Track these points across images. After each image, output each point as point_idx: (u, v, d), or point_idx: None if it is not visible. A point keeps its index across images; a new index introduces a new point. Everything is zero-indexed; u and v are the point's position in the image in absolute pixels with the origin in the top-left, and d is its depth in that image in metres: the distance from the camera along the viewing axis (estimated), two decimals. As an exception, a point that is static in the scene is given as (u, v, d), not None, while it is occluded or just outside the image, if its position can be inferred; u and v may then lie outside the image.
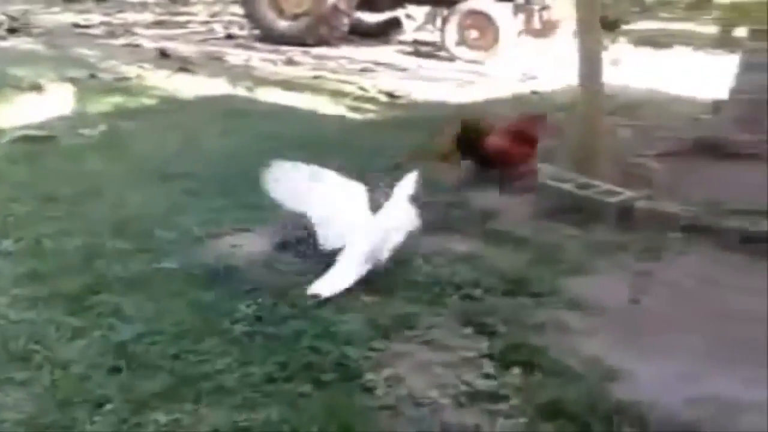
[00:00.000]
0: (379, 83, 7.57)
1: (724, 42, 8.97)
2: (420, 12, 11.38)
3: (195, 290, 2.78)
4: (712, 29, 11.54)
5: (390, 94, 6.99)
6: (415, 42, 10.72)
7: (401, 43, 10.73)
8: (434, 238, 3.36)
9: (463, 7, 8.99)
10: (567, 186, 3.80)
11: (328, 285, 2.75)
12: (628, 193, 3.63)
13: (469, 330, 2.50)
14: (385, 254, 2.89)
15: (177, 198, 3.85)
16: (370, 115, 6.13)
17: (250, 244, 3.26)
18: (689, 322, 2.76)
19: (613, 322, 2.73)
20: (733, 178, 3.99)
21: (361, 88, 7.23)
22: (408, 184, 3.13)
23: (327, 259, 3.03)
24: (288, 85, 7.33)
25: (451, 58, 9.16)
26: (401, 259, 3.02)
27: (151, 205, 3.74)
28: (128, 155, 4.70)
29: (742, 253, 3.23)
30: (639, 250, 3.28)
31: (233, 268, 2.96)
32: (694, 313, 2.82)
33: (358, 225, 2.99)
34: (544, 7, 9.61)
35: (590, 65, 3.95)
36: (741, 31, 7.12)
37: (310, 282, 2.83)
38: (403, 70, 8.69)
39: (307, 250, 3.14)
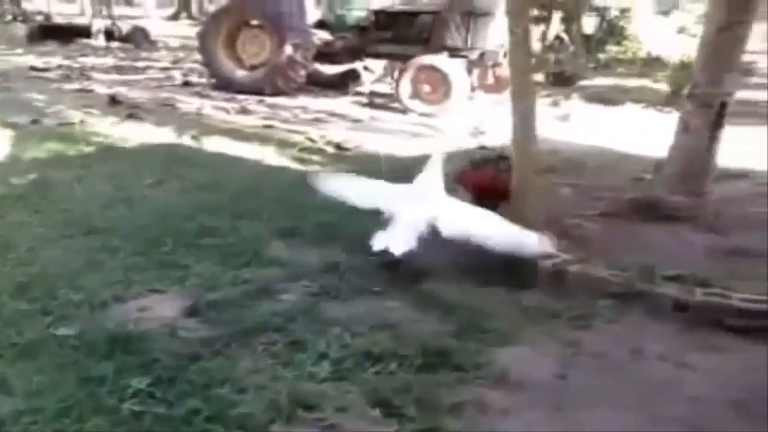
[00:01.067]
0: (330, 134, 7.48)
1: (673, 100, 9.12)
2: (378, 65, 11.44)
3: (89, 361, 2.57)
4: (665, 87, 11.78)
5: (338, 146, 6.88)
6: (372, 94, 10.72)
7: (358, 94, 10.73)
8: (360, 301, 3.22)
9: (417, 61, 9.03)
10: (502, 247, 3.67)
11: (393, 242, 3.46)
12: (563, 256, 3.51)
13: (377, 413, 2.31)
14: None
15: (94, 255, 3.64)
16: (315, 167, 5.99)
17: (160, 308, 3.05)
18: (617, 397, 2.62)
19: (538, 399, 2.57)
20: (669, 241, 3.89)
21: (309, 139, 7.12)
22: (437, 160, 3.83)
23: (239, 326, 2.87)
24: (237, 134, 7.19)
25: (405, 111, 9.16)
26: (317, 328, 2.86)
27: (65, 262, 3.53)
28: (53, 207, 4.48)
29: (674, 321, 3.11)
30: (570, 317, 3.15)
31: (135, 335, 2.75)
32: (622, 387, 2.68)
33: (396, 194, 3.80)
34: (496, 64, 9.72)
35: (524, 124, 3.87)
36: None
37: (215, 354, 2.65)
38: (357, 121, 8.64)
39: (218, 317, 2.96)
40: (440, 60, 8.97)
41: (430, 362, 2.69)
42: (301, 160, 6.19)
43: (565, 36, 16.80)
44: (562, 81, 13.54)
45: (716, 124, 4.32)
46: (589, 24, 20.61)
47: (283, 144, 6.77)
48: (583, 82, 14.11)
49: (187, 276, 3.37)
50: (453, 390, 2.53)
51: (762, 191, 5.15)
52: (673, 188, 4.31)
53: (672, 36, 16.84)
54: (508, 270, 3.53)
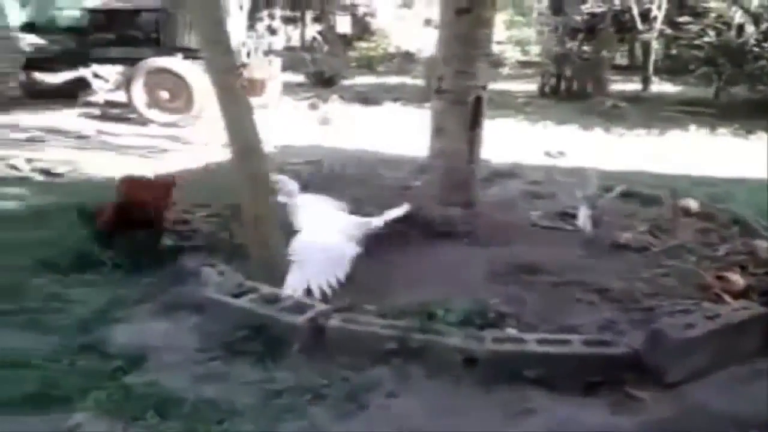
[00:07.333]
0: (46, 156, 6.01)
1: (429, 95, 8.89)
2: (113, 71, 9.91)
3: None
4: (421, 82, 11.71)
5: (48, 172, 5.48)
6: (107, 104, 9.21)
7: (89, 105, 9.14)
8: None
9: (147, 65, 7.80)
10: (244, 301, 2.74)
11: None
12: (321, 307, 2.66)
13: None
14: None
15: None
16: (10, 204, 4.59)
17: None
18: None
19: None
20: (447, 265, 3.22)
21: (12, 166, 5.62)
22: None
23: None
24: None
25: (144, 122, 7.88)
26: None
27: None
28: None
29: (468, 380, 2.38)
30: (337, 398, 2.30)
31: None
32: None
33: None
34: (243, 65, 8.80)
35: (239, 134, 2.96)
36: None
37: None
38: (82, 137, 7.19)
39: None
40: (173, 62, 7.83)
41: None
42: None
43: (318, 36, 16.39)
44: (323, 82, 13.12)
45: (473, 124, 3.74)
46: (344, 23, 20.54)
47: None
48: (346, 82, 13.80)
49: None
50: None
51: (534, 190, 4.84)
52: (443, 199, 3.67)
53: (419, 28, 17.09)
54: (258, 334, 2.61)
